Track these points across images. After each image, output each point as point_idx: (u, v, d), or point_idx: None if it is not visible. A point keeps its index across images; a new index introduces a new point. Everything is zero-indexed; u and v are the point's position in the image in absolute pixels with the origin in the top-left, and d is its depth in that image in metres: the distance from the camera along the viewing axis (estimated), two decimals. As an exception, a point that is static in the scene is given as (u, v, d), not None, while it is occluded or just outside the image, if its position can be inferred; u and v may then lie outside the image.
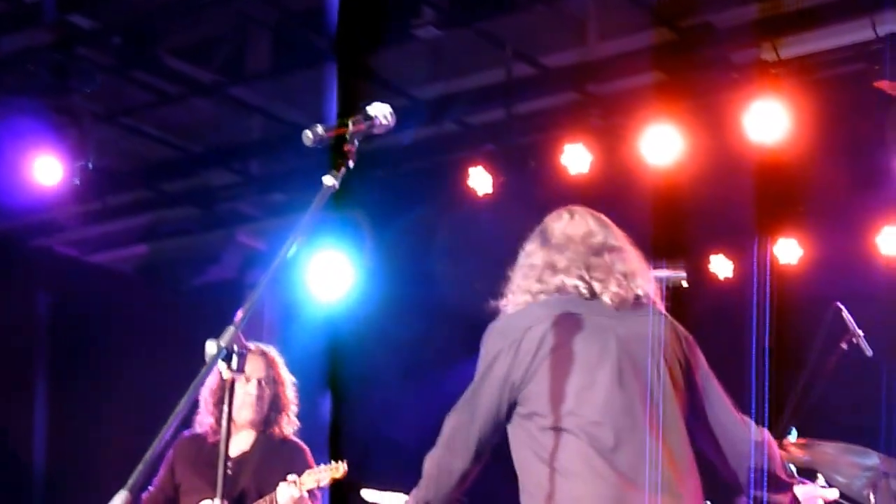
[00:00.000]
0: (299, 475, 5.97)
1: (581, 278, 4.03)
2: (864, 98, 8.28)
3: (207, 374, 3.22)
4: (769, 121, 8.04)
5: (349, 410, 10.56)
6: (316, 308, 10.11)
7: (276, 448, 6.15)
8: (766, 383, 6.54)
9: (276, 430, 6.18)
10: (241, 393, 6.08)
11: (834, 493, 4.30)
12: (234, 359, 3.13)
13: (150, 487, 6.18)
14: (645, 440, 3.81)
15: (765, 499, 4.15)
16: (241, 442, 6.18)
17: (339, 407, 10.59)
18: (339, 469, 5.94)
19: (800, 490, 4.25)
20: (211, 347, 3.13)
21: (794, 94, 8.11)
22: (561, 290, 4.02)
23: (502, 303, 4.14)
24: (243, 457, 6.10)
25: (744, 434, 4.08)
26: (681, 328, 4.11)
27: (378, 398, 10.54)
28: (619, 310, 3.98)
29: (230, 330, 3.13)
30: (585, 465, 3.77)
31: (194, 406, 6.17)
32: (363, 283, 9.95)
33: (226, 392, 3.23)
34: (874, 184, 8.83)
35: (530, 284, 4.08)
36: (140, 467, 3.04)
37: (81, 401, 11.13)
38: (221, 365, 3.14)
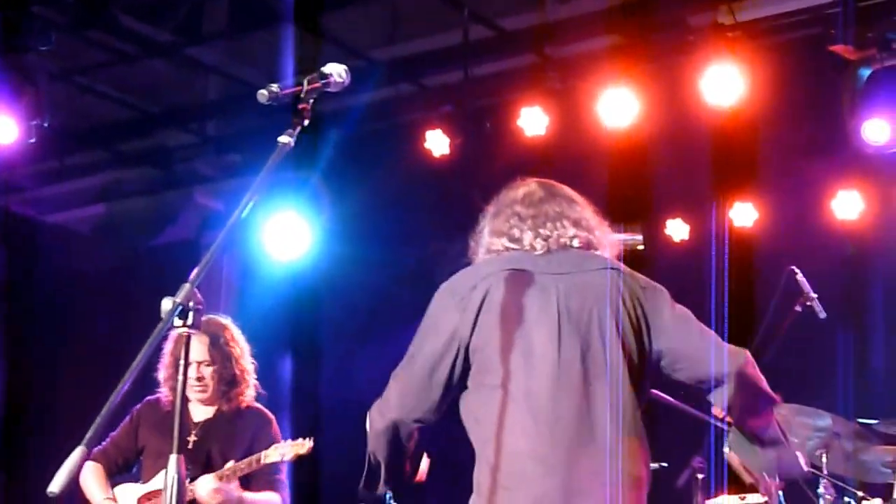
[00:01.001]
0: (263, 445, 5.94)
1: (530, 233, 4.08)
2: (820, 62, 8.31)
3: (164, 330, 3.24)
4: (725, 84, 8.06)
5: (308, 370, 10.58)
6: (274, 268, 10.11)
7: (241, 415, 6.10)
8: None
9: (239, 398, 6.12)
10: (192, 374, 6.04)
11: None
12: (190, 315, 3.15)
13: (103, 443, 6.12)
14: (584, 400, 3.83)
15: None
16: (205, 409, 6.16)
17: (298, 367, 10.60)
18: (305, 446, 5.89)
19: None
20: (167, 304, 3.15)
21: (751, 58, 8.13)
22: (510, 245, 4.08)
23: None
24: (208, 423, 6.07)
25: (722, 351, 4.04)
26: (641, 278, 4.10)
27: (337, 358, 10.57)
28: (566, 264, 4.01)
29: (185, 287, 3.15)
30: (525, 423, 3.80)
31: (150, 369, 6.15)
32: (321, 244, 9.95)
33: (182, 348, 3.24)
34: (829, 148, 8.89)
35: (483, 249, 4.16)
36: (97, 423, 3.06)
37: (38, 361, 11.10)
38: (177, 321, 3.15)
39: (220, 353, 6.08)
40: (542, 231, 4.08)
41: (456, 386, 3.95)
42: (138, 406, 6.20)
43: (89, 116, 10.63)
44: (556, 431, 3.79)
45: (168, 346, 6.20)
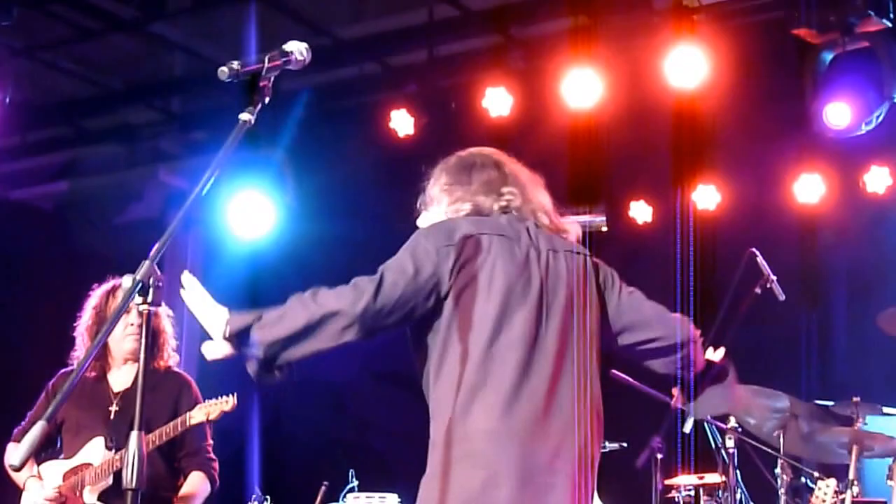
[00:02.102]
0: (187, 406, 5.87)
1: (517, 206, 4.10)
2: (784, 45, 8.35)
3: (124, 307, 3.25)
4: (689, 66, 8.09)
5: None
6: (238, 247, 10.09)
7: (161, 380, 6.00)
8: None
9: (159, 363, 6.04)
10: (120, 325, 5.98)
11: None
12: (151, 292, 3.16)
13: (23, 423, 6.04)
14: (553, 382, 3.86)
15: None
16: (123, 377, 6.07)
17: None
18: (229, 402, 5.80)
19: None
20: (127, 282, 3.16)
21: (714, 40, 8.16)
22: (504, 209, 4.08)
23: (422, 214, 4.18)
24: (128, 391, 5.98)
25: (673, 318, 4.19)
26: (602, 265, 4.18)
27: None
28: (547, 242, 4.04)
29: (145, 264, 3.15)
30: (490, 399, 3.80)
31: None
32: (285, 222, 9.94)
33: (143, 325, 3.23)
34: (791, 131, 8.93)
35: (458, 205, 4.10)
36: (58, 399, 3.06)
37: (-1, 338, 11.05)
38: (138, 298, 3.16)
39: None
40: (518, 203, 4.11)
41: (405, 323, 3.90)
42: (53, 380, 6.11)
43: (52, 92, 10.57)
44: (522, 410, 3.80)
45: (91, 301, 6.14)
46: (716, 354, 4.38)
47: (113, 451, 5.77)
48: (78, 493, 5.81)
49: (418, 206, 4.25)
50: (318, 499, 7.03)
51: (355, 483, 7.23)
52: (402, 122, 9.24)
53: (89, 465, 5.81)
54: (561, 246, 4.07)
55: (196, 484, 5.99)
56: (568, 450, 3.83)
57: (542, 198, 4.20)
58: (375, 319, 3.84)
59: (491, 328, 3.85)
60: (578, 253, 4.09)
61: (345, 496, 7.17)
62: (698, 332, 4.26)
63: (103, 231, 11.40)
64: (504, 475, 3.75)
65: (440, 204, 4.15)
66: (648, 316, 4.17)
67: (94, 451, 5.83)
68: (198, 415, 5.78)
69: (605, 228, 4.50)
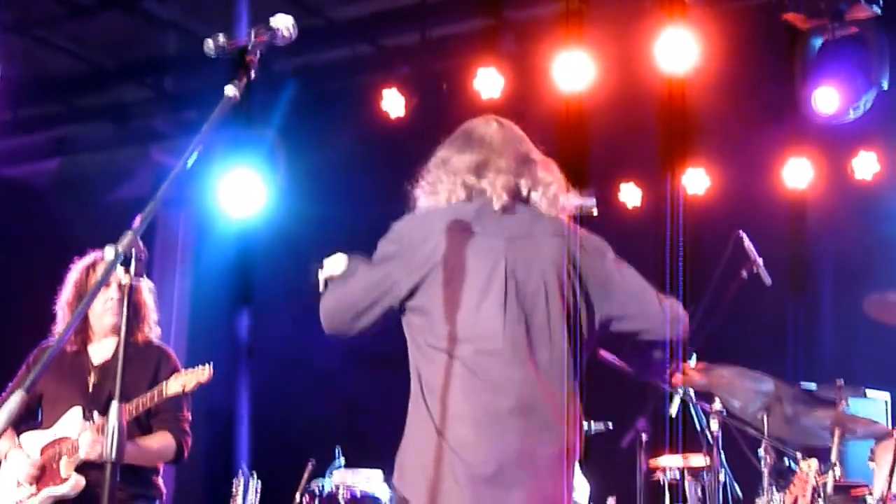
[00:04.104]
0: (165, 378, 5.84)
1: (507, 184, 4.05)
2: (773, 30, 8.37)
3: (106, 278, 3.25)
4: (679, 50, 8.10)
5: (263, 327, 10.60)
6: (229, 225, 10.11)
7: (140, 352, 5.99)
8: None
9: (138, 336, 6.03)
10: (101, 300, 5.99)
11: None
12: (133, 264, 3.16)
13: (2, 395, 6.03)
14: (528, 372, 3.85)
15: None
16: (102, 350, 6.06)
17: (253, 324, 10.62)
18: (205, 372, 5.79)
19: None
20: (109, 253, 3.15)
21: (705, 25, 8.17)
22: (479, 194, 4.04)
23: (417, 200, 4.17)
24: (107, 364, 5.98)
25: (657, 296, 4.13)
26: (590, 242, 4.12)
27: (292, 315, 10.58)
28: (518, 227, 4.00)
29: (128, 235, 3.15)
30: (468, 391, 3.82)
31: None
32: (275, 202, 9.96)
33: (124, 296, 3.22)
34: (780, 116, 8.95)
35: (447, 186, 4.09)
36: (37, 369, 3.08)
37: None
38: (120, 270, 3.16)
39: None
40: (508, 180, 4.06)
41: (381, 324, 4.00)
42: (33, 352, 6.09)
43: (45, 69, 10.56)
44: (498, 401, 3.81)
45: (72, 276, 6.14)
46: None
47: (91, 423, 5.78)
48: (55, 465, 5.82)
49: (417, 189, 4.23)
50: (305, 475, 7.06)
51: (342, 460, 7.27)
52: (393, 104, 9.26)
53: (67, 437, 5.82)
54: (542, 229, 4.03)
55: (158, 439, 5.94)
56: (547, 442, 3.83)
57: (536, 174, 4.12)
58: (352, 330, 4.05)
59: (455, 320, 3.86)
60: (562, 235, 4.04)
61: (331, 472, 7.21)
62: (686, 317, 4.19)
63: (94, 209, 11.40)
64: (487, 465, 3.77)
65: (427, 194, 4.14)
66: (640, 305, 4.10)
67: (72, 424, 5.83)
68: (174, 384, 5.75)
69: (595, 211, 4.51)
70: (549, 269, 3.95)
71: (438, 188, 4.11)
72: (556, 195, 4.10)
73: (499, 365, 3.84)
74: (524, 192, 4.08)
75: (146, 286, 6.12)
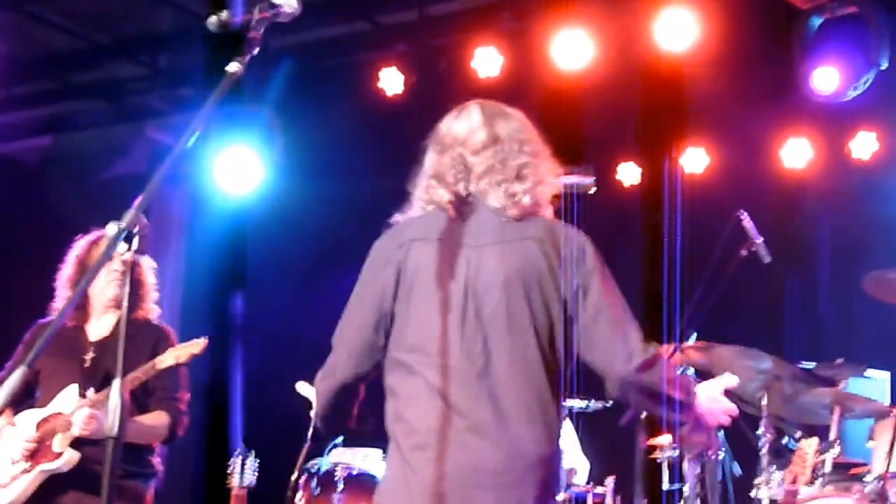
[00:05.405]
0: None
1: (456, 191, 3.91)
2: (773, 10, 8.35)
3: (108, 255, 3.23)
4: (678, 29, 8.08)
5: (259, 305, 10.57)
6: (225, 202, 10.07)
7: (139, 329, 5.95)
8: (678, 289, 6.67)
9: (138, 313, 6.00)
10: (103, 273, 5.95)
11: (734, 381, 4.00)
12: (135, 240, 3.15)
13: (0, 373, 6.04)
14: (485, 382, 3.73)
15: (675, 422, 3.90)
16: (100, 327, 6.04)
17: (248, 301, 10.59)
18: (199, 345, 5.77)
19: (702, 393, 3.92)
20: (111, 229, 3.13)
21: (704, 3, 8.15)
22: (439, 203, 3.92)
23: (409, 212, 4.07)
24: (104, 341, 5.96)
25: (618, 351, 3.76)
26: (573, 242, 3.87)
27: (287, 293, 10.57)
28: (485, 234, 3.85)
29: (130, 212, 3.14)
30: (428, 406, 3.74)
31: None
32: (272, 179, 9.92)
33: (126, 273, 3.21)
34: (780, 96, 8.94)
35: (420, 194, 3.99)
36: (38, 345, 3.06)
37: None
38: (122, 246, 3.14)
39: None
40: (478, 184, 3.91)
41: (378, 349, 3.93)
42: (31, 329, 6.07)
43: (39, 46, 10.51)
44: (455, 418, 3.70)
45: (74, 251, 6.12)
46: (729, 381, 4.07)
47: (86, 399, 5.76)
48: (49, 442, 5.80)
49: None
50: (303, 454, 7.04)
51: (340, 438, 7.25)
52: (391, 81, 9.23)
53: (61, 413, 5.80)
54: (512, 234, 3.84)
55: (153, 417, 5.91)
56: (508, 456, 3.70)
57: (524, 160, 3.92)
58: (376, 360, 3.94)
59: (414, 332, 3.79)
60: (534, 238, 3.83)
61: (330, 451, 7.19)
62: (658, 359, 3.81)
63: (88, 187, 11.37)
64: (448, 481, 3.69)
65: (414, 205, 4.04)
66: (607, 344, 3.77)
67: (68, 400, 5.82)
68: (167, 358, 5.74)
69: (593, 190, 4.47)
70: (516, 278, 3.79)
71: (415, 196, 4.03)
72: (515, 193, 3.87)
73: (455, 379, 3.73)
74: (483, 193, 3.90)
75: (147, 264, 6.11)
